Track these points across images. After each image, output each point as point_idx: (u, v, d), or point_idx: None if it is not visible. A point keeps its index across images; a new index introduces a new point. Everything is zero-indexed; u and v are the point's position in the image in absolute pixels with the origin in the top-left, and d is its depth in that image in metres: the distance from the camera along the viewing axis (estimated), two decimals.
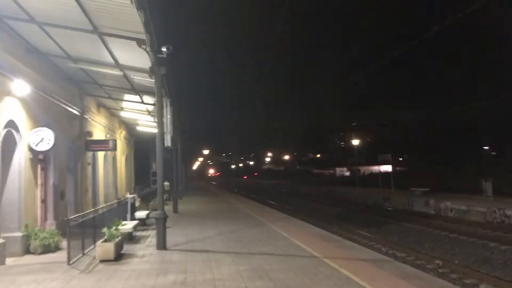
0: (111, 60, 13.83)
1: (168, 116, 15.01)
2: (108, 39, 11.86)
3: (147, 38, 10.13)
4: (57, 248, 11.92)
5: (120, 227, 10.92)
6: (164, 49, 11.05)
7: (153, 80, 14.88)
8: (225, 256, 10.36)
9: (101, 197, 21.89)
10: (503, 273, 11.68)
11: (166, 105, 14.61)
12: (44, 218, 14.17)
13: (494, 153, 53.32)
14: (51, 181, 14.62)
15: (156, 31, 10.47)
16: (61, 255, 11.06)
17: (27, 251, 11.48)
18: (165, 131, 12.65)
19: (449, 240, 16.66)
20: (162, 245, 11.34)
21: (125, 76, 15.67)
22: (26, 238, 11.57)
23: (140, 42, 11.06)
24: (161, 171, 11.78)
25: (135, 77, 16.07)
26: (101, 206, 20.36)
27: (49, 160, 14.62)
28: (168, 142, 14.00)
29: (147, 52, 11.24)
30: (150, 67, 11.65)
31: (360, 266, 8.88)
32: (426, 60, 53.58)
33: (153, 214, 12.03)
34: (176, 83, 19.38)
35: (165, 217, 11.54)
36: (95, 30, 11.21)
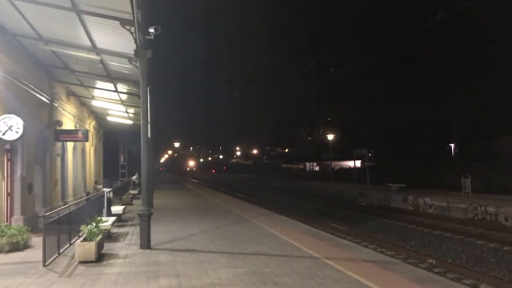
0: (88, 43, 12.82)
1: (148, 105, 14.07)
2: (87, 18, 10.85)
3: (136, 16, 9.17)
4: (26, 246, 10.89)
5: (100, 224, 9.94)
6: (151, 30, 10.11)
7: (129, 66, 13.97)
8: (217, 256, 9.56)
9: (70, 190, 20.77)
10: (500, 272, 11.39)
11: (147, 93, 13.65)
12: (10, 213, 13.08)
13: (456, 151, 54.28)
14: (18, 173, 13.53)
15: (145, 8, 9.54)
16: (31, 254, 10.11)
17: None
18: (149, 120, 11.68)
19: (435, 237, 16.39)
20: (146, 244, 10.41)
21: (101, 61, 14.64)
22: None
23: (124, 22, 10.12)
24: (146, 162, 10.86)
25: (111, 63, 15.08)
26: (71, 200, 19.25)
27: (16, 150, 13.52)
28: (149, 132, 13.05)
29: (132, 33, 10.27)
30: (135, 50, 10.64)
31: (368, 269, 8.27)
32: (398, 61, 53.68)
33: (138, 210, 11.05)
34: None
35: (149, 214, 10.64)
36: (73, 7, 10.19)
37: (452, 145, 55.16)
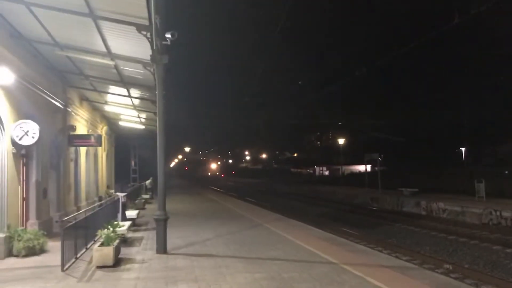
0: (103, 49, 12.84)
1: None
2: (103, 24, 10.87)
3: (154, 21, 9.19)
4: (42, 251, 10.94)
5: (116, 228, 9.97)
6: (168, 36, 10.12)
7: (143, 71, 14.02)
8: (234, 261, 9.54)
9: (83, 195, 20.83)
10: None
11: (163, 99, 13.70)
12: (26, 218, 13.13)
13: (466, 155, 53.91)
14: (33, 178, 13.60)
15: (162, 14, 9.56)
16: (48, 259, 10.17)
17: (9, 253, 10.53)
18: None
19: (449, 242, 16.24)
20: (162, 249, 10.43)
21: (115, 66, 14.67)
22: (9, 239, 10.57)
23: (140, 28, 10.13)
24: (162, 167, 10.86)
25: (125, 68, 15.10)
26: (83, 205, 19.34)
27: (32, 155, 13.59)
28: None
29: (148, 38, 10.29)
30: (151, 55, 10.67)
31: (387, 275, 8.19)
32: (414, 65, 53.36)
33: (154, 214, 11.05)
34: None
35: (166, 219, 10.64)
36: (90, 13, 10.23)
37: (463, 149, 54.77)
